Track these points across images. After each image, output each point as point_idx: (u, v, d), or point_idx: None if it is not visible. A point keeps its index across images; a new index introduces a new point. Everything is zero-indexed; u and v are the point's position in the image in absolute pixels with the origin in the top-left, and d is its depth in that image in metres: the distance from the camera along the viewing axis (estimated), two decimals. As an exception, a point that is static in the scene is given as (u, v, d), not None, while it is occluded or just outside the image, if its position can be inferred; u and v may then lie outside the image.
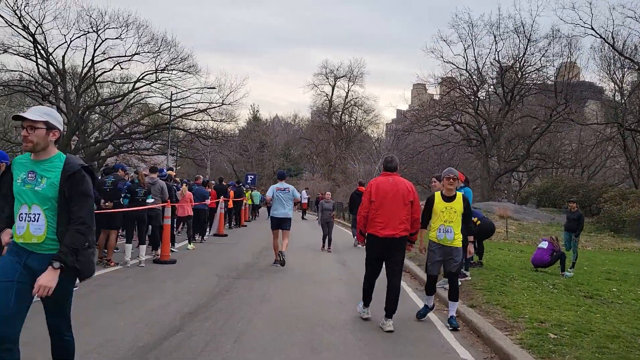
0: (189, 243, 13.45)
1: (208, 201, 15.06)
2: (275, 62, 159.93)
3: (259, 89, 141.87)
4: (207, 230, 17.18)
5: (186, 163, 59.38)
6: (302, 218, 30.69)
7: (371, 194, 6.37)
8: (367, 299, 6.65)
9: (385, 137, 73.44)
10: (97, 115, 43.05)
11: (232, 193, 20.24)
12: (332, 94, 66.86)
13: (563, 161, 41.57)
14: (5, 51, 35.08)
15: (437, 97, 49.56)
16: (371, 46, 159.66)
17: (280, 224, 11.24)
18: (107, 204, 9.91)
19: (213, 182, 18.06)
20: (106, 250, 10.07)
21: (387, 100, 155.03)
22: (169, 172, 14.92)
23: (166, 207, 11.01)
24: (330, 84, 66.53)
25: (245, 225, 22.45)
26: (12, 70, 36.76)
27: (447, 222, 6.46)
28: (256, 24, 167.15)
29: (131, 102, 42.12)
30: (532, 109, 42.07)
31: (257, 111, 72.98)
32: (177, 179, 16.71)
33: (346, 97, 66.66)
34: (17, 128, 45.01)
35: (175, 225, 13.21)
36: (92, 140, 40.22)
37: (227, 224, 20.36)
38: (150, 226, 11.22)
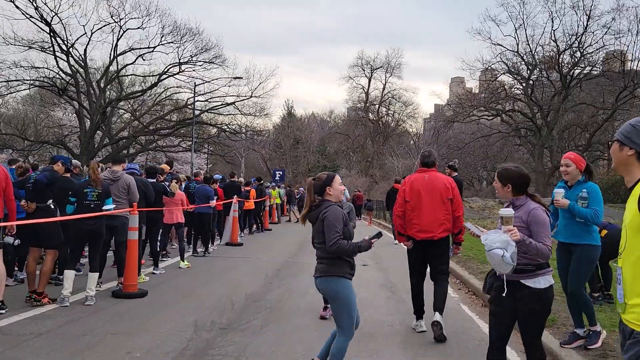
0: (181, 260, 9.83)
1: (213, 202, 11.43)
2: (311, 61, 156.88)
3: (295, 88, 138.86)
4: (218, 238, 13.65)
5: (220, 161, 56.45)
6: None
7: (405, 193, 5.85)
8: (418, 310, 5.94)
9: (423, 132, 68.90)
10: (127, 113, 40.53)
11: (252, 192, 16.64)
12: (369, 87, 62.67)
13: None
14: (30, 47, 32.66)
15: (477, 88, 45.00)
16: (409, 42, 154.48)
17: None
18: (27, 205, 6.43)
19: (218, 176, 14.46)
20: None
21: (425, 95, 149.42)
22: (164, 166, 11.39)
23: (132, 213, 7.37)
24: (366, 76, 62.35)
25: (270, 230, 18.75)
26: (37, 68, 34.12)
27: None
28: (292, 23, 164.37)
29: (158, 98, 39.35)
30: (590, 94, 37.05)
31: (292, 107, 69.52)
32: (183, 176, 13.36)
33: (383, 89, 62.38)
34: (48, 128, 43.02)
35: (160, 237, 9.59)
36: (120, 136, 37.38)
37: (247, 229, 16.75)
38: (113, 243, 7.67)
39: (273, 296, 7.61)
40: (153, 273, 8.95)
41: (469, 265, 9.93)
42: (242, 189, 16.05)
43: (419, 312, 5.91)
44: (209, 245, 11.82)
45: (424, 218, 5.66)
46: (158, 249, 9.26)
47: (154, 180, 8.97)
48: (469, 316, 6.88)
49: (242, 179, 17.03)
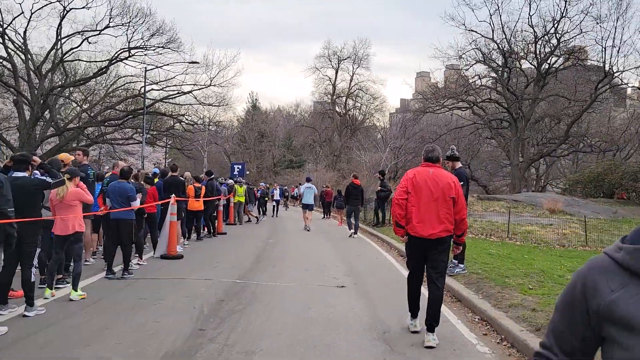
0: (74, 288, 6.69)
1: (135, 204, 8.29)
2: (278, 57, 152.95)
3: (260, 84, 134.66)
4: (152, 250, 10.52)
5: (180, 156, 52.54)
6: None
7: (407, 185, 5.28)
8: (413, 308, 5.55)
9: (390, 126, 66.44)
10: (79, 103, 36.55)
11: (202, 188, 13.46)
12: (336, 78, 59.75)
13: (604, 143, 34.50)
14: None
15: (444, 82, 42.60)
16: (375, 39, 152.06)
17: (307, 207, 18.26)
18: None
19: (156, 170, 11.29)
20: None
21: (392, 90, 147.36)
22: (63, 156, 8.20)
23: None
24: (333, 67, 59.43)
25: (225, 234, 15.56)
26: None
27: None
28: (259, 18, 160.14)
29: (111, 88, 35.54)
30: (566, 83, 35.05)
31: (256, 100, 66.11)
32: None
33: (351, 80, 59.58)
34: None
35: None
36: (67, 128, 33.41)
37: (194, 235, 13.62)
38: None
39: (199, 363, 4.58)
40: (24, 315, 5.79)
41: (484, 290, 7.09)
42: (192, 185, 12.92)
43: (414, 311, 5.55)
44: (132, 262, 8.67)
45: (424, 214, 5.19)
46: (32, 277, 6.08)
47: (23, 174, 5.80)
48: None
49: (188, 174, 13.83)
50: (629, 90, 56.78)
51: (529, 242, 15.77)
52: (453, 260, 8.49)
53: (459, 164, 8.39)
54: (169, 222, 10.28)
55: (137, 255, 9.50)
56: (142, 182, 9.75)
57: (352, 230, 15.81)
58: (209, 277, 8.43)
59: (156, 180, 11.81)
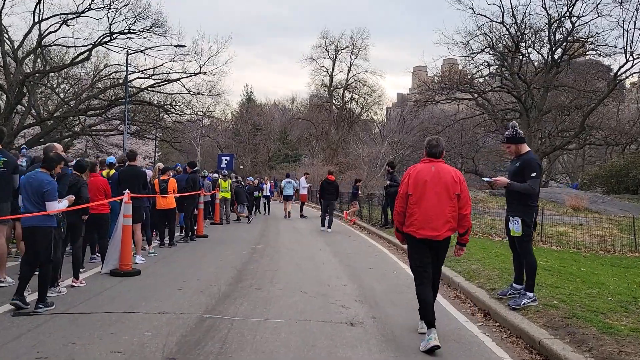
0: None
1: (54, 206, 5.61)
2: (273, 51, 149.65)
3: (256, 79, 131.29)
4: (101, 263, 7.88)
5: (171, 150, 49.63)
6: (301, 215, 21.51)
7: (408, 186, 4.84)
8: (426, 315, 4.77)
9: (387, 121, 63.70)
10: (62, 91, 33.70)
11: (172, 183, 10.73)
12: (333, 69, 56.80)
13: (619, 136, 31.96)
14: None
15: (443, 74, 39.82)
16: (373, 34, 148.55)
17: (286, 199, 21.25)
18: None
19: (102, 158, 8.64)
20: None
21: (389, 84, 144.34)
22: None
23: None
24: (330, 58, 56.42)
25: (206, 236, 12.85)
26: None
27: None
28: (253, 12, 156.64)
29: (97, 76, 32.75)
30: (578, 72, 32.46)
31: (251, 92, 63.26)
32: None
33: (349, 71, 56.60)
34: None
35: None
36: (48, 117, 30.56)
37: (167, 239, 10.93)
38: None
39: None
40: None
41: (586, 342, 4.46)
42: (156, 180, 10.25)
43: (430, 324, 4.70)
44: (60, 287, 6.03)
45: (428, 213, 4.73)
46: None
47: None
48: None
49: (159, 164, 11.15)
50: (627, 84, 54.41)
51: (566, 246, 13.22)
52: (515, 286, 5.90)
53: (525, 147, 5.78)
54: (121, 226, 7.60)
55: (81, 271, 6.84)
56: (79, 174, 7.05)
57: (327, 226, 15.23)
58: (164, 310, 5.77)
59: (112, 171, 9.17)
